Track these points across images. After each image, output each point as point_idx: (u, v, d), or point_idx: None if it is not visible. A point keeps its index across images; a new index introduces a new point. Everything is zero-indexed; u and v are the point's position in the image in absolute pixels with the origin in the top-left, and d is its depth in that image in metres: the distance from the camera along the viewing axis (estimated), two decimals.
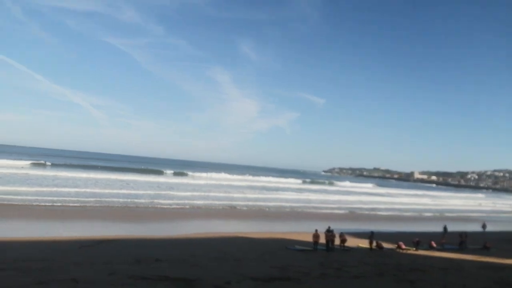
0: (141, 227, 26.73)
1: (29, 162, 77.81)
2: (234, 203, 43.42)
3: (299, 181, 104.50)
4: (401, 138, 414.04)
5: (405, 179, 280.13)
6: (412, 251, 24.90)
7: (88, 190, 42.59)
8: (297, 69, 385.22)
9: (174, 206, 37.28)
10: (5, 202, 30.57)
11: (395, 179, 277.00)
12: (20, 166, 68.06)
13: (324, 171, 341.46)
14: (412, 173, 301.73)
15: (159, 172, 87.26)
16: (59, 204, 32.41)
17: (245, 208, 40.99)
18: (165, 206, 36.85)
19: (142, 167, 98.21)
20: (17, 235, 20.45)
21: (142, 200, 38.77)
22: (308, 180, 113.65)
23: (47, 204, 31.84)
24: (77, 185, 46.19)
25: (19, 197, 33.27)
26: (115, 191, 43.97)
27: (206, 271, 15.94)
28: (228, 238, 24.29)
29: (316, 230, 23.22)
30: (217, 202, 42.73)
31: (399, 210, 54.69)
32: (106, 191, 43.01)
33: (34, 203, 31.53)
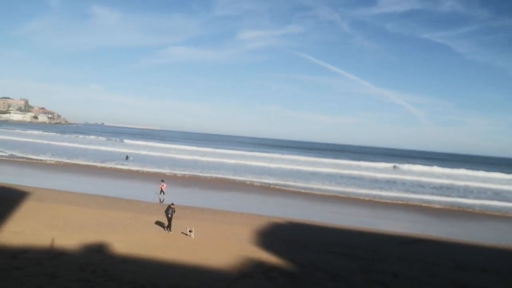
0: (465, 230, 24.85)
1: (391, 164, 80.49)
2: None
3: None
4: None
5: None
6: None
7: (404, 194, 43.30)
8: None
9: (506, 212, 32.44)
10: (339, 195, 35.62)
11: None
12: (382, 167, 72.60)
13: None
14: None
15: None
16: (383, 201, 34.73)
17: None
18: (494, 212, 32.65)
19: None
20: (341, 222, 23.34)
21: (469, 202, 35.94)
22: None
23: (374, 199, 34.78)
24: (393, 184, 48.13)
25: (352, 196, 37.87)
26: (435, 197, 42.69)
27: None
28: None
29: None
30: None
31: None
32: (429, 197, 42.34)
33: (366, 198, 35.08)
